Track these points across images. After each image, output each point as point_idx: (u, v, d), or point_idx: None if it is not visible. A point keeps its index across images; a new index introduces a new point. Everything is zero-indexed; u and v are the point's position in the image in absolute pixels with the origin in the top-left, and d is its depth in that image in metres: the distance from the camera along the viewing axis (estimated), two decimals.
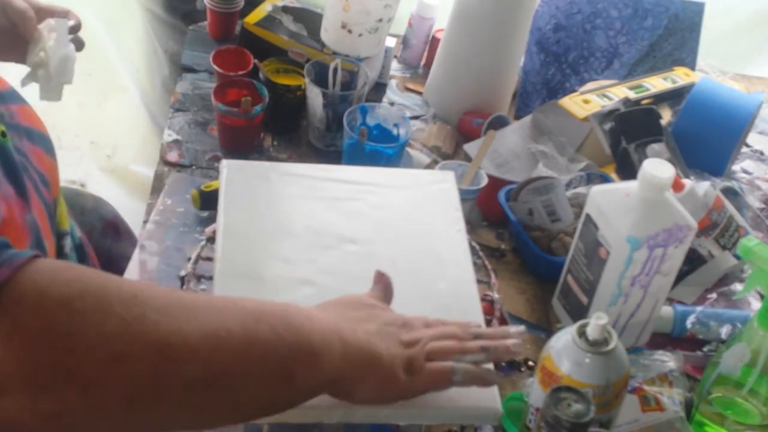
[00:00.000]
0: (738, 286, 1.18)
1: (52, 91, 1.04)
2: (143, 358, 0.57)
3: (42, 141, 0.92)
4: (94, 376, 0.55)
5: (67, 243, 0.93)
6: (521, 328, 0.76)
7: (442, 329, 0.74)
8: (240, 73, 1.32)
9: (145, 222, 1.16)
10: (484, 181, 1.18)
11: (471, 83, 1.39)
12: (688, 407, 0.98)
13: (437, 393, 0.77)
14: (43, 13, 1.04)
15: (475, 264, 0.92)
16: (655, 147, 1.23)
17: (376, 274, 0.80)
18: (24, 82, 1.02)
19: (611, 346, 0.82)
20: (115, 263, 1.20)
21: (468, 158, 1.31)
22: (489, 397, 0.77)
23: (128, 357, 0.56)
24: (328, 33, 1.36)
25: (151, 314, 0.58)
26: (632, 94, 1.35)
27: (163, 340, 0.58)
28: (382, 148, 1.21)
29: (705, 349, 1.08)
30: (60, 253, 0.91)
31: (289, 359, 0.64)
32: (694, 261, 1.16)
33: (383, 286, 0.80)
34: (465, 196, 1.09)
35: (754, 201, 1.34)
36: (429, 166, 1.31)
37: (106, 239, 1.23)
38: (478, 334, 0.75)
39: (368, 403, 0.71)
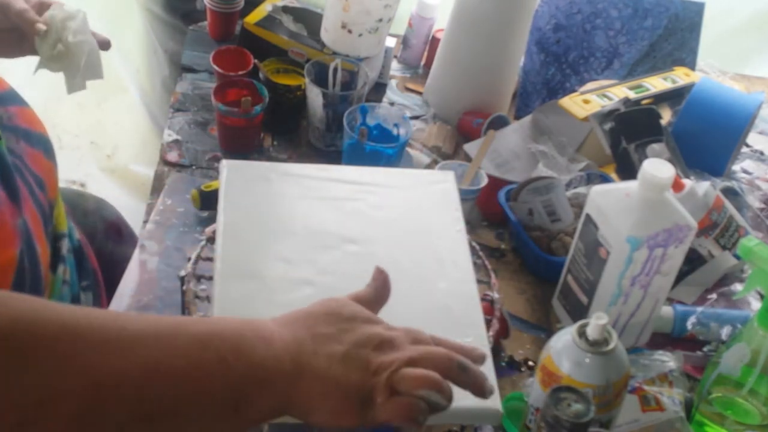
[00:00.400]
0: (738, 286, 1.18)
1: (77, 84, 1.05)
2: (74, 398, 0.54)
3: (40, 143, 0.91)
4: (23, 417, 0.53)
5: (65, 245, 0.93)
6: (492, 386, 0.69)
7: (424, 350, 0.67)
8: (240, 73, 1.32)
9: (145, 222, 1.16)
10: (484, 181, 1.18)
11: (471, 83, 1.39)
12: (688, 407, 0.98)
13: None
14: (45, 7, 1.03)
15: (475, 264, 0.91)
16: (655, 147, 1.23)
17: (376, 271, 0.74)
18: (38, 69, 1.02)
19: (611, 346, 0.82)
20: (117, 265, 1.19)
21: (468, 158, 1.31)
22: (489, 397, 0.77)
23: (58, 397, 0.54)
24: (328, 33, 1.36)
25: (85, 351, 0.55)
26: (632, 94, 1.35)
27: (96, 379, 0.55)
28: (382, 148, 1.21)
29: (705, 349, 1.08)
30: (56, 255, 0.90)
31: (238, 388, 0.61)
32: (694, 261, 1.16)
33: (379, 285, 0.73)
34: (465, 196, 1.09)
35: (754, 201, 1.34)
36: (429, 166, 1.31)
37: (108, 241, 1.22)
38: (464, 366, 0.66)
39: (325, 427, 0.66)
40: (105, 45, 1.08)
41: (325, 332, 0.66)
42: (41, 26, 1.00)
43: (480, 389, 0.66)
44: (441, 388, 0.65)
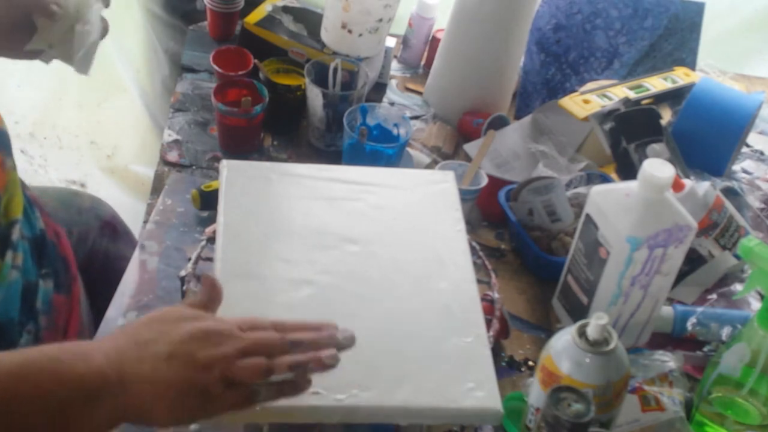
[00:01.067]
0: (738, 287, 1.18)
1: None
2: None
3: None
4: None
5: (16, 231, 0.91)
6: (350, 333, 0.71)
7: (253, 338, 0.68)
8: (240, 73, 1.32)
9: (146, 222, 1.16)
10: (484, 181, 1.18)
11: (471, 83, 1.39)
12: (688, 407, 0.97)
13: (437, 393, 0.77)
14: None
15: (475, 264, 0.91)
16: (655, 147, 1.23)
17: (202, 277, 0.74)
18: (32, 47, 0.96)
19: (611, 346, 0.82)
20: (113, 262, 1.19)
21: (468, 158, 1.31)
22: (489, 397, 0.78)
23: None
24: (328, 33, 1.35)
25: None
26: (632, 94, 1.35)
27: None
28: (382, 148, 1.21)
29: (705, 349, 1.08)
30: (6, 241, 0.90)
31: (61, 411, 0.62)
32: (694, 261, 1.16)
33: (207, 287, 0.73)
34: (465, 196, 1.09)
35: (754, 201, 1.34)
36: (429, 166, 1.31)
37: (103, 239, 1.22)
38: (296, 341, 0.69)
39: (168, 426, 0.67)
40: (104, 32, 1.05)
41: (148, 337, 0.67)
42: (56, 8, 0.94)
43: (319, 361, 0.68)
44: (274, 368, 0.66)
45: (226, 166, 0.96)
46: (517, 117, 1.45)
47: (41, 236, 0.99)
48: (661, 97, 1.38)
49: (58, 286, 1.00)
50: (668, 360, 1.00)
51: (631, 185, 0.97)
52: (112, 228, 1.26)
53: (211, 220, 1.02)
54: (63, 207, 1.19)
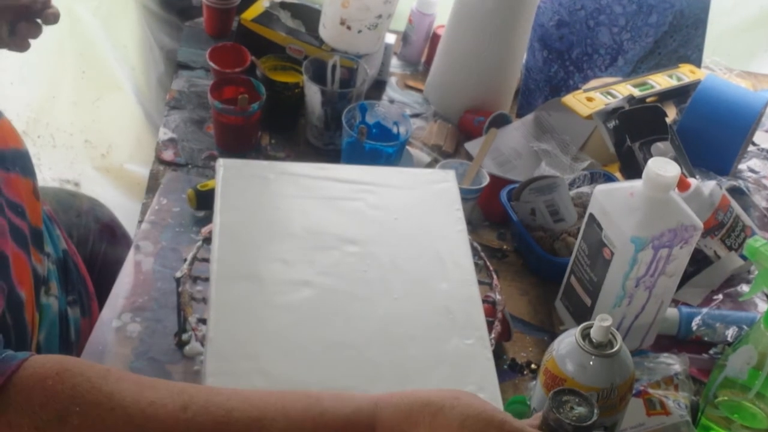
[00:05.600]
0: (744, 288, 1.18)
1: None
2: None
3: (15, 161, 0.85)
4: None
5: (45, 261, 0.88)
6: None
7: None
8: (237, 70, 1.32)
9: (140, 222, 1.16)
10: (486, 181, 1.18)
11: (472, 81, 1.39)
12: (694, 411, 0.97)
13: None
14: None
15: (476, 265, 0.91)
16: (660, 146, 1.22)
17: None
18: None
19: (615, 348, 0.82)
20: (111, 266, 1.18)
21: (469, 157, 1.31)
22: (491, 400, 0.76)
23: None
24: (327, 29, 1.35)
25: None
26: (637, 92, 1.34)
27: None
28: (381, 147, 1.20)
29: (711, 351, 1.08)
30: (38, 277, 0.87)
31: None
32: (699, 262, 1.16)
33: None
34: (466, 195, 1.08)
35: (760, 200, 1.34)
36: (429, 165, 1.31)
37: (101, 242, 1.21)
38: None
39: None
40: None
41: None
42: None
43: None
44: None
45: (223, 165, 0.95)
46: (519, 115, 1.45)
47: (64, 258, 0.96)
48: (666, 95, 1.38)
49: (83, 310, 0.97)
50: (673, 363, 1.00)
51: (635, 184, 0.96)
52: (111, 231, 1.25)
53: (208, 220, 1.02)
54: (62, 209, 1.18)
